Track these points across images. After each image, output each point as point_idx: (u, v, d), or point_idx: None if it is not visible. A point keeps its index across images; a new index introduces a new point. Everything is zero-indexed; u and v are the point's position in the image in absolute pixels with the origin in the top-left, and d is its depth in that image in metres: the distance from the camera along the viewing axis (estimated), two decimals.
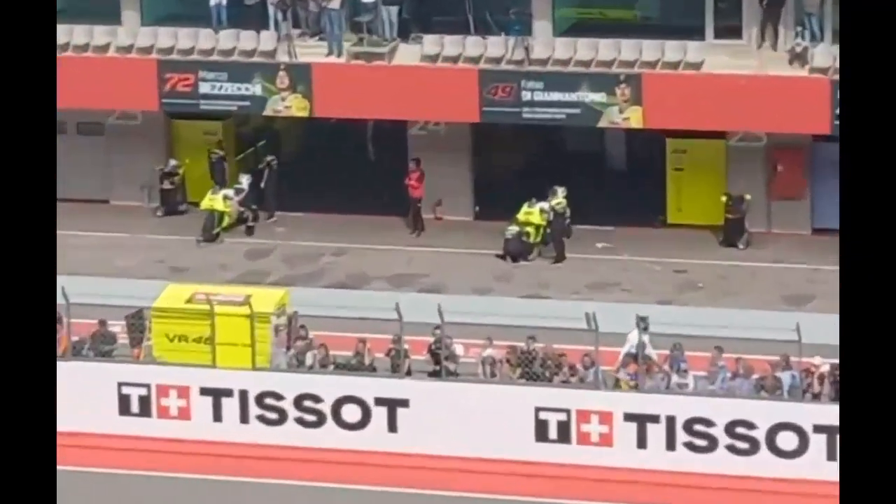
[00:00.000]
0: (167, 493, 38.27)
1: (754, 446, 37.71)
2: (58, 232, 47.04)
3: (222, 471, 38.84)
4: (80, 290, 41.73)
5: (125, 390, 40.63)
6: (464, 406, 39.19)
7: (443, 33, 52.24)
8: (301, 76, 51.82)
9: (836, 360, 37.28)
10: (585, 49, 50.92)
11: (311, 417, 39.86)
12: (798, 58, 49.98)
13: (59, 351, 40.88)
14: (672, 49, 50.61)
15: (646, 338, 40.33)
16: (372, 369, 40.80)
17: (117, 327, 42.42)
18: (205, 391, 40.29)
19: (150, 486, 38.62)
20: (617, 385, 39.64)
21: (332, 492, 36.79)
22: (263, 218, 53.78)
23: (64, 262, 48.24)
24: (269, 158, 54.33)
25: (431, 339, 40.80)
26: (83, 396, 40.28)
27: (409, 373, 40.58)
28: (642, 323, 40.40)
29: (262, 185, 53.79)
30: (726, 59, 50.28)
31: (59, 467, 36.66)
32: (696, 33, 50.72)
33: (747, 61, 50.34)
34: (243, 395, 40.15)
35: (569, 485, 37.46)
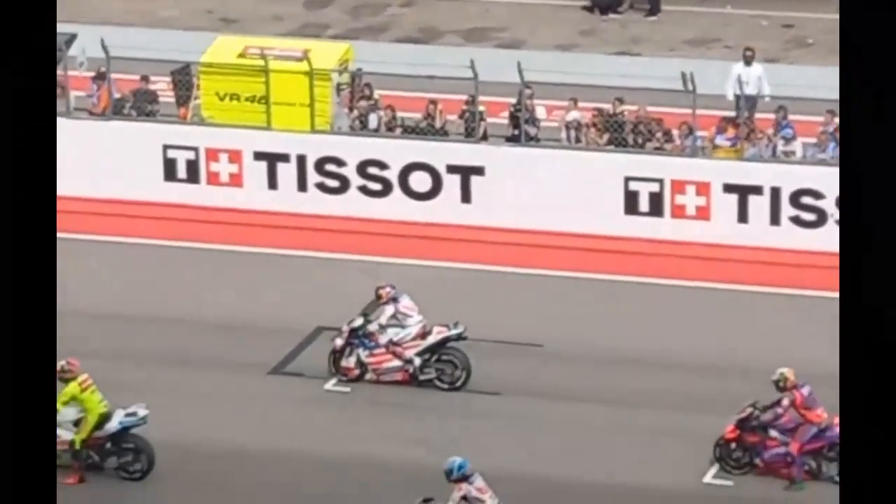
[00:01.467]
0: (215, 266, 37.91)
1: None
2: None
3: (277, 243, 38.81)
4: (120, 42, 41.30)
5: (171, 153, 40.62)
6: (545, 175, 38.58)
7: None
8: None
9: None
10: None
11: (375, 186, 39.68)
12: None
13: (99, 109, 40.50)
14: None
15: (758, 71, 40.25)
16: (444, 133, 40.24)
17: (161, 84, 41.79)
18: (258, 155, 40.12)
19: (197, 259, 38.20)
20: (715, 152, 38.90)
21: (398, 267, 36.32)
22: None
23: (102, 12, 47.77)
24: None
25: (510, 101, 40.10)
26: (124, 160, 40.15)
27: (484, 137, 40.17)
28: (748, 52, 40.37)
29: None
30: None
31: (97, 237, 36.79)
32: None
33: None
34: (301, 160, 39.93)
35: (661, 262, 36.98)
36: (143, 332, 35.66)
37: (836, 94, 36.73)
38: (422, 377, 33.20)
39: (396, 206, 39.16)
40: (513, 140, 39.83)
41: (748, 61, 42.38)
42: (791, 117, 38.97)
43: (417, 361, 33.16)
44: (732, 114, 39.85)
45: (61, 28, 42.01)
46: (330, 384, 33.89)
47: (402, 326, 33.55)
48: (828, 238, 35.84)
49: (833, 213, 36.90)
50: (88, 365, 30.95)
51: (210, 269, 37.80)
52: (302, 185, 39.89)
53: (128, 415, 30.49)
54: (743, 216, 37.62)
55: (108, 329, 35.43)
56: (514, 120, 39.93)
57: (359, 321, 33.49)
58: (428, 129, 40.30)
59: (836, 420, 28.88)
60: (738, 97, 41.13)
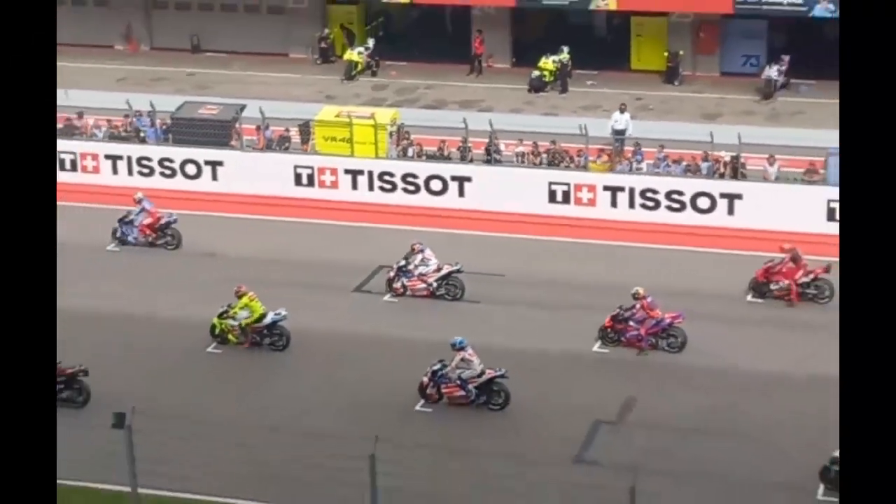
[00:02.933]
0: (326, 234, 38.74)
1: (683, 206, 37.58)
2: (262, 74, 46.21)
3: (356, 220, 39.06)
4: (271, 110, 41.76)
5: (299, 170, 40.74)
6: (505, 181, 39.18)
7: None
8: None
9: (735, 153, 37.87)
10: None
11: (411, 188, 39.99)
12: None
13: (260, 146, 41.48)
14: None
15: (626, 118, 41.28)
16: (448, 158, 40.69)
17: (294, 132, 42.39)
18: (347, 171, 40.33)
19: (316, 229, 38.90)
20: (596, 167, 39.57)
21: (424, 233, 36.71)
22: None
23: (261, 91, 48.11)
24: (379, 20, 54.02)
25: (485, 140, 40.65)
26: (272, 175, 40.43)
27: (471, 160, 40.46)
28: (623, 106, 41.24)
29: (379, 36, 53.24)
30: None
31: (259, 216, 37.23)
32: None
33: None
34: (370, 173, 40.12)
35: (569, 230, 37.62)
36: (293, 270, 35.85)
37: (666, 137, 37.87)
38: (438, 293, 33.64)
39: (423, 199, 39.56)
40: (487, 162, 40.17)
41: (622, 111, 42.74)
42: (644, 149, 39.64)
43: (435, 285, 33.88)
44: (609, 146, 40.55)
45: (238, 101, 42.79)
46: (386, 298, 34.33)
47: (426, 265, 34.03)
48: (660, 215, 37.62)
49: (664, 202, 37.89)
50: (261, 294, 31.95)
51: (324, 235, 38.21)
52: (370, 187, 40.23)
53: (276, 314, 30.95)
54: (614, 204, 37.98)
55: (281, 269, 35.99)
56: (488, 151, 40.34)
57: (402, 262, 34.16)
58: (440, 156, 40.75)
59: (669, 315, 30.01)
60: (614, 132, 41.68)
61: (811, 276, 32.87)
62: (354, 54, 51.99)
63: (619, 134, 42.30)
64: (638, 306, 30.96)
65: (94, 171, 42.09)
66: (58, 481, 25.74)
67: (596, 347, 31.28)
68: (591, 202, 38.92)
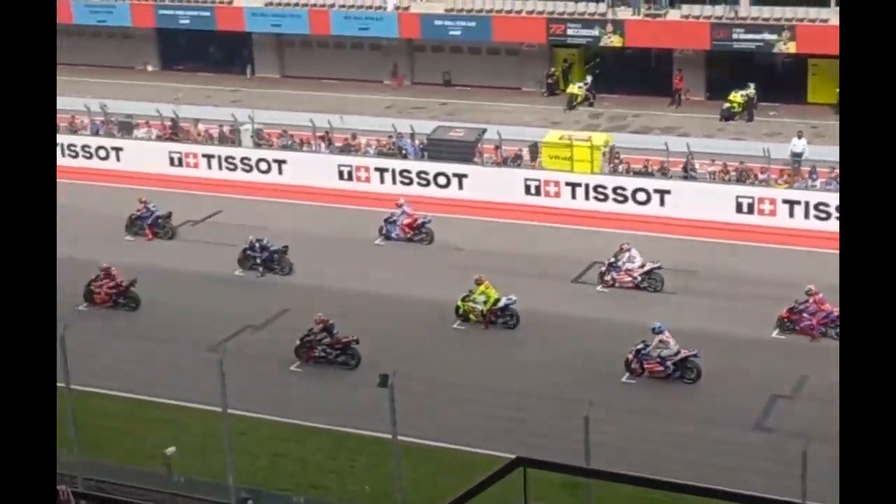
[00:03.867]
0: (546, 235, 38.38)
1: None
2: (499, 104, 46.33)
3: (576, 223, 38.91)
4: (506, 133, 42.12)
5: (528, 182, 40.70)
6: (699, 194, 38.62)
7: (692, 4, 50.19)
8: (619, 26, 50.49)
9: None
10: (767, 12, 48.66)
11: (620, 198, 39.63)
12: None
13: (499, 161, 41.39)
14: (808, 12, 48.05)
15: (803, 141, 40.50)
16: (652, 174, 40.29)
17: (525, 152, 42.45)
18: (568, 183, 40.21)
19: (539, 233, 38.68)
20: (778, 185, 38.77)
21: (627, 237, 36.48)
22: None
23: (498, 118, 48.18)
24: (596, 60, 53.59)
25: (683, 160, 40.13)
26: (501, 188, 40.64)
27: (671, 176, 40.05)
28: (801, 133, 40.67)
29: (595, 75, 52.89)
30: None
31: (496, 219, 37.46)
32: (824, 3, 48.02)
33: None
34: (586, 186, 39.91)
35: (751, 235, 36.65)
36: (522, 264, 35.66)
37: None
38: (641, 286, 33.35)
39: (627, 208, 39.31)
40: (684, 178, 39.78)
41: (799, 137, 41.65)
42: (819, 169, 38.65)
43: (639, 279, 33.63)
44: (788, 167, 39.62)
45: (480, 126, 42.82)
46: (598, 288, 34.19)
47: (632, 262, 33.77)
48: (832, 224, 35.81)
49: (835, 214, 36.57)
50: (496, 282, 32.63)
51: (548, 236, 38.16)
52: (586, 196, 39.97)
53: (508, 299, 31.23)
54: (791, 215, 37.42)
55: (513, 262, 35.80)
56: (685, 169, 40.00)
57: (612, 259, 34.09)
58: (644, 172, 40.37)
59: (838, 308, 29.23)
60: (792, 154, 40.69)
61: None
62: (575, 88, 51.84)
63: (796, 157, 41.19)
64: (811, 300, 30.24)
65: (366, 180, 42.78)
66: (328, 427, 26.77)
67: (774, 334, 30.60)
68: (772, 213, 37.82)
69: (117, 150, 46.11)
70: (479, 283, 32.04)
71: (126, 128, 47.71)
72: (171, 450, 24.15)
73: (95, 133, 47.38)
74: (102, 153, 46.36)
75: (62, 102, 49.41)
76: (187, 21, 57.05)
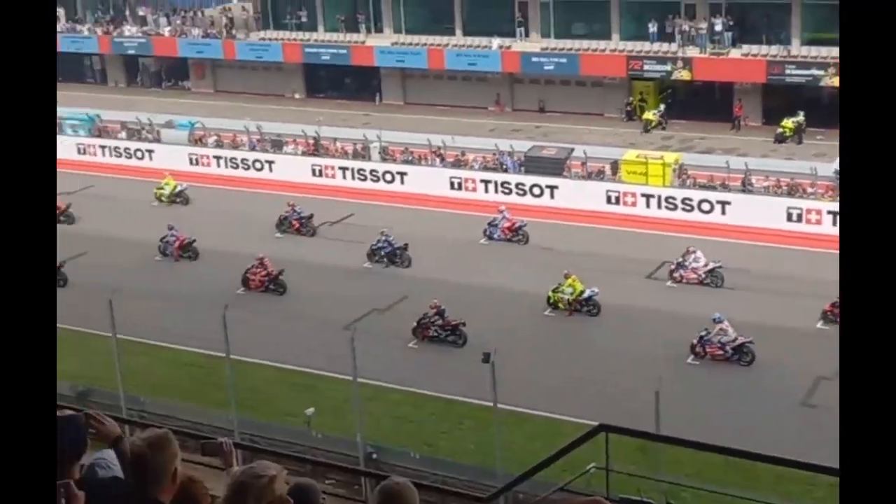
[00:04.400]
0: (624, 238, 37.76)
1: None
2: (585, 127, 45.99)
3: (650, 228, 38.30)
4: (591, 152, 41.71)
5: (609, 194, 40.25)
6: (755, 206, 37.82)
7: (750, 44, 49.21)
8: (688, 62, 49.72)
9: None
10: (815, 51, 47.49)
11: (687, 208, 39.04)
12: None
13: (584, 174, 40.94)
14: None
15: None
16: (715, 188, 39.61)
17: (607, 168, 42.02)
18: (643, 195, 39.76)
19: (618, 236, 37.96)
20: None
21: (693, 241, 35.92)
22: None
23: (585, 139, 47.75)
24: (668, 91, 52.78)
25: (742, 176, 39.20)
26: (586, 197, 40.23)
27: (730, 190, 39.12)
28: None
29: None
30: None
31: (580, 224, 37.04)
32: None
33: None
34: (658, 197, 39.36)
35: (800, 241, 35.74)
36: (604, 262, 34.91)
37: None
38: (704, 282, 32.93)
39: (696, 216, 38.63)
40: (743, 192, 38.90)
41: None
42: None
43: (703, 276, 33.24)
44: (832, 182, 38.57)
45: (569, 145, 42.38)
46: (668, 283, 33.68)
47: (697, 262, 33.38)
48: None
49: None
50: (581, 276, 32.14)
51: (626, 239, 37.28)
52: (659, 205, 39.45)
53: (591, 291, 31.08)
54: (834, 223, 36.18)
55: (595, 260, 35.08)
56: (743, 183, 39.05)
57: (680, 259, 33.67)
58: (708, 186, 39.62)
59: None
60: (836, 172, 39.50)
61: None
62: (650, 115, 51.11)
63: (839, 174, 40.28)
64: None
65: (473, 190, 42.70)
66: (440, 395, 26.87)
67: (818, 325, 29.72)
68: (818, 222, 36.70)
69: (270, 162, 46.89)
70: (567, 276, 31.84)
71: (277, 145, 48.59)
72: (310, 410, 24.47)
73: (252, 149, 48.25)
74: (258, 165, 47.18)
75: (227, 123, 50.90)
76: (328, 57, 57.80)
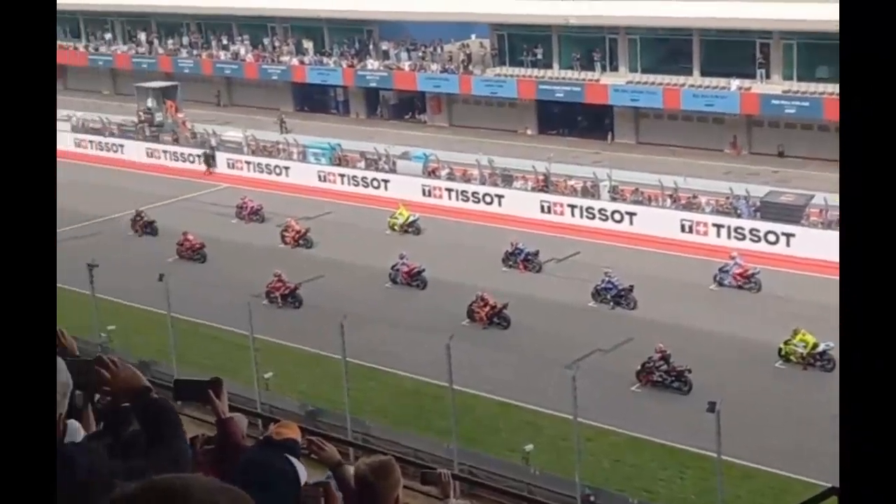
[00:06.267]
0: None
1: None
2: (824, 174, 44.36)
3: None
4: (824, 198, 39.97)
5: None
6: None
7: None
8: None
9: None
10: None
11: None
12: None
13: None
14: None
15: None
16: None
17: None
18: None
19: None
20: None
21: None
22: None
23: (821, 186, 45.76)
24: None
25: None
26: (825, 247, 38.22)
27: None
28: None
29: None
30: None
31: (820, 275, 35.29)
32: None
33: None
34: None
35: None
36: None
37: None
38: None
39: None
40: None
41: None
42: None
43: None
44: None
45: (804, 191, 40.46)
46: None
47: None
48: None
49: None
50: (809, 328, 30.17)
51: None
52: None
53: (826, 345, 29.46)
54: None
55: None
56: None
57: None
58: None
59: None
60: None
61: None
62: None
63: None
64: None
65: (704, 234, 41.76)
66: (662, 441, 26.19)
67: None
68: None
69: (500, 197, 47.35)
70: (795, 333, 30.56)
71: (507, 179, 49.20)
72: (529, 447, 24.57)
73: (483, 182, 49.02)
74: (488, 199, 47.75)
75: (460, 157, 51.96)
76: (562, 94, 58.15)
